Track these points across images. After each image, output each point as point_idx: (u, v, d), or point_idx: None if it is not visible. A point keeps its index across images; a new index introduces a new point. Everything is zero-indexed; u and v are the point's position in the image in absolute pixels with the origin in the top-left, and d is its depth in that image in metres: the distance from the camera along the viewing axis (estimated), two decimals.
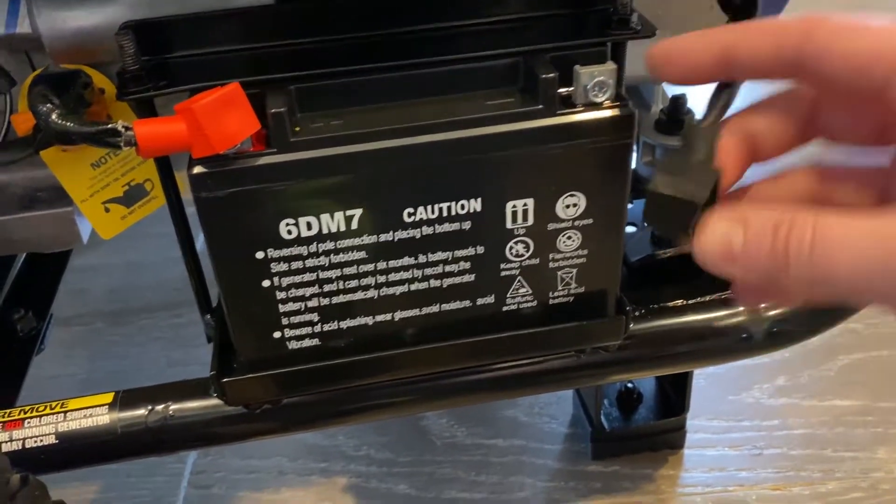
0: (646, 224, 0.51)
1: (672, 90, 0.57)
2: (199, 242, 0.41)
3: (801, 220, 0.26)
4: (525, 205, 0.40)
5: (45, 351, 0.66)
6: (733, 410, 0.73)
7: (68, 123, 0.34)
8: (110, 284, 0.95)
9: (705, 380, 0.75)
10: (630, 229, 0.58)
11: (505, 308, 0.43)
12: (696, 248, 0.29)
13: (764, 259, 0.26)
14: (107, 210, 0.46)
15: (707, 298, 0.49)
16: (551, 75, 0.37)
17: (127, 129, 0.34)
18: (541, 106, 0.37)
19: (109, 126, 0.34)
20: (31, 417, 0.43)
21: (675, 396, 0.67)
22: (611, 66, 0.37)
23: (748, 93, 0.32)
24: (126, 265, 0.97)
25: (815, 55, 0.27)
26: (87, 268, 0.96)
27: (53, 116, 0.34)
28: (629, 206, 0.60)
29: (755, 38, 0.29)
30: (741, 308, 0.49)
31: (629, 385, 0.67)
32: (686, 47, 0.31)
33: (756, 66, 0.29)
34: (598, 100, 0.38)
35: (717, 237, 0.28)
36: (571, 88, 0.38)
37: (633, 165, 0.58)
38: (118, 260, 0.98)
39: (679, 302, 0.49)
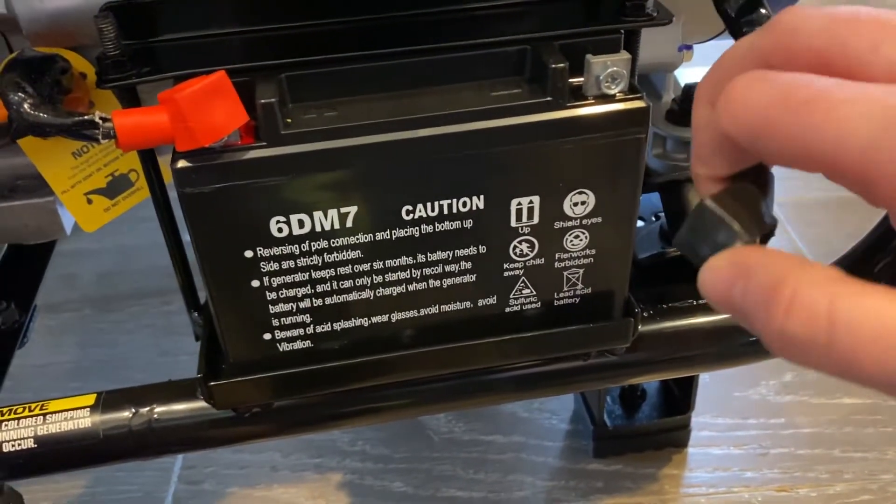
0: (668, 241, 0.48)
1: (684, 79, 0.54)
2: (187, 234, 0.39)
3: (813, 288, 0.20)
4: (530, 202, 0.38)
5: (33, 338, 0.64)
6: (739, 408, 0.71)
7: (41, 114, 0.32)
8: (100, 269, 0.92)
9: (710, 377, 0.73)
10: (638, 224, 0.56)
11: (508, 309, 0.41)
12: (699, 282, 0.24)
13: (775, 326, 0.21)
14: (89, 201, 0.44)
15: None
16: (561, 65, 0.34)
17: (105, 120, 0.32)
18: (549, 98, 0.35)
19: (86, 118, 0.32)
20: (8, 420, 0.41)
21: (679, 394, 0.65)
22: (625, 55, 0.35)
23: None
24: (116, 250, 0.95)
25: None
26: (77, 252, 0.94)
27: (25, 107, 0.32)
28: None
29: None
30: None
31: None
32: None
33: None
34: (611, 91, 0.35)
35: (718, 277, 0.23)
36: (582, 79, 0.35)
37: None
38: (108, 244, 0.95)
39: (689, 302, 0.47)
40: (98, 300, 0.88)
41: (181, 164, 0.33)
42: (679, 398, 0.65)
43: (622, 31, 0.37)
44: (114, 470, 0.67)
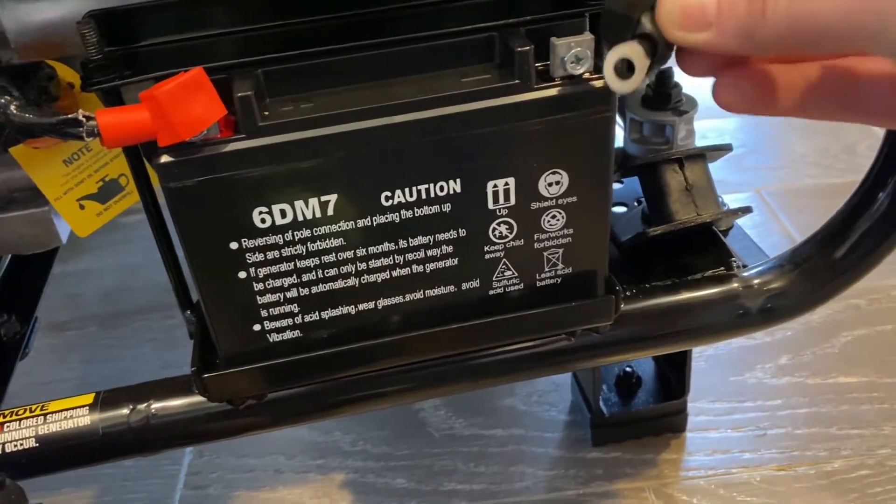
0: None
1: None
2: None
3: None
4: (506, 184, 0.39)
5: (38, 356, 0.65)
6: (735, 391, 0.71)
7: (28, 115, 0.33)
8: (103, 288, 0.94)
9: (706, 361, 0.74)
10: (620, 209, 0.57)
11: (491, 292, 0.42)
12: (660, 20, 0.28)
13: (741, 12, 0.26)
14: (82, 207, 0.45)
15: (699, 276, 0.48)
16: (526, 48, 0.36)
17: (89, 118, 0.33)
18: (517, 80, 0.36)
19: (71, 116, 0.33)
20: (10, 421, 0.42)
21: (674, 379, 0.66)
22: (588, 36, 0.36)
23: None
24: (118, 268, 0.96)
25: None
26: (80, 272, 0.96)
27: (12, 108, 0.33)
28: (619, 185, 0.60)
29: None
30: (735, 284, 0.47)
31: (627, 369, 0.66)
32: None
33: None
34: (577, 72, 0.36)
35: (684, 2, 0.27)
36: (548, 62, 0.37)
37: (622, 143, 0.57)
38: (111, 263, 0.97)
39: (671, 280, 0.47)
40: (102, 318, 0.90)
41: (164, 158, 0.34)
42: (674, 383, 0.66)
43: (586, 14, 0.38)
44: (120, 478, 0.68)
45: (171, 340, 0.85)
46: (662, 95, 0.52)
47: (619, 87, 0.31)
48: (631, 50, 0.30)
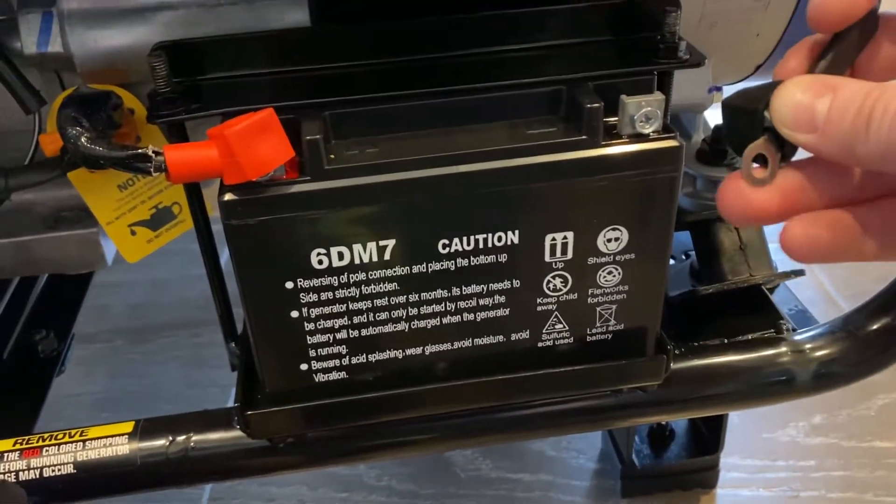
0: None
1: (714, 119, 0.55)
2: (224, 262, 0.40)
3: (888, 85, 0.25)
4: (565, 238, 0.38)
5: (66, 368, 0.65)
6: (768, 449, 0.70)
7: (98, 148, 0.33)
8: (132, 301, 0.94)
9: (739, 417, 0.73)
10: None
11: (540, 344, 0.41)
12: (772, 114, 0.28)
13: (847, 125, 0.26)
14: (133, 233, 0.45)
15: (749, 337, 0.47)
16: (597, 105, 0.35)
17: (157, 154, 0.33)
18: (584, 136, 0.36)
19: (140, 151, 0.33)
20: (49, 445, 0.42)
21: (708, 434, 0.65)
22: (658, 95, 0.36)
23: None
24: (148, 282, 0.96)
25: None
26: (110, 284, 0.96)
27: (83, 140, 0.33)
28: None
29: None
30: (785, 348, 0.47)
31: (661, 422, 0.65)
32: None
33: None
34: (645, 131, 0.36)
35: (796, 103, 0.27)
36: (616, 119, 0.36)
37: None
38: (141, 277, 0.97)
39: (720, 340, 0.47)
40: (129, 332, 0.90)
41: (228, 196, 0.34)
42: (708, 438, 0.65)
43: (655, 72, 0.38)
44: (142, 499, 0.68)
45: (197, 359, 0.85)
46: (718, 151, 0.52)
47: (755, 182, 0.30)
48: (765, 146, 0.29)
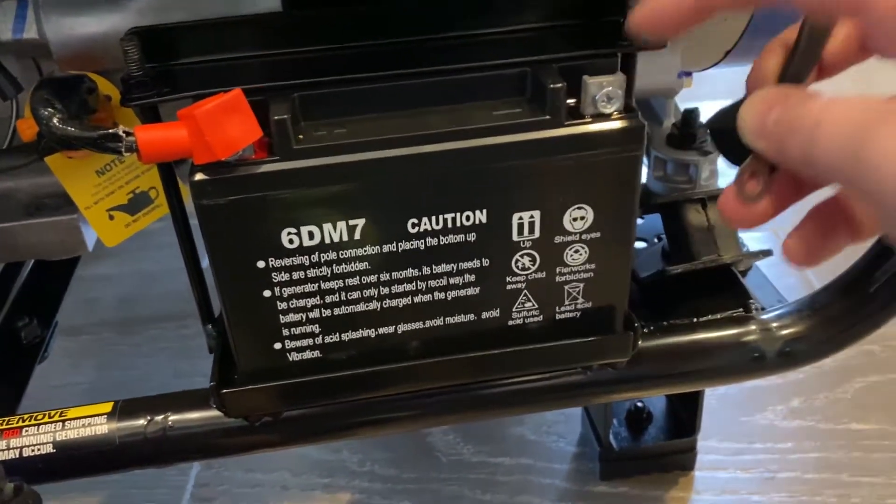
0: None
1: (684, 104, 0.56)
2: (202, 247, 0.40)
3: (819, 98, 0.26)
4: (531, 217, 0.39)
5: (52, 360, 0.66)
6: (746, 432, 0.71)
7: (69, 128, 0.34)
8: (120, 294, 0.95)
9: (717, 400, 0.74)
10: (639, 245, 0.57)
11: (510, 322, 0.42)
12: (739, 129, 0.30)
13: (782, 130, 0.27)
14: (111, 217, 0.46)
15: (718, 316, 0.48)
16: (559, 85, 0.36)
17: (128, 134, 0.34)
18: (548, 116, 0.37)
19: (111, 131, 0.34)
20: (28, 426, 0.43)
21: (685, 417, 0.66)
22: (620, 76, 0.37)
23: None
24: (136, 275, 0.97)
25: None
26: (97, 277, 0.96)
27: (54, 121, 0.34)
28: (640, 221, 0.60)
29: None
30: (753, 326, 0.47)
31: (639, 404, 0.66)
32: (662, 4, 0.30)
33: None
34: (607, 111, 0.37)
35: (754, 115, 0.29)
36: (579, 99, 0.37)
37: (644, 180, 0.57)
38: (128, 269, 0.98)
39: (690, 319, 0.48)
40: (117, 324, 0.90)
41: (198, 176, 0.35)
42: (685, 420, 0.66)
43: (619, 54, 0.39)
44: (128, 486, 0.69)
45: (185, 350, 0.86)
46: (688, 135, 0.53)
47: (749, 199, 0.31)
48: (754, 164, 0.31)
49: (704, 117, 0.54)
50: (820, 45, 0.30)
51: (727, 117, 0.31)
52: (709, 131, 0.33)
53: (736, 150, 0.31)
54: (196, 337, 0.86)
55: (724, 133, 0.31)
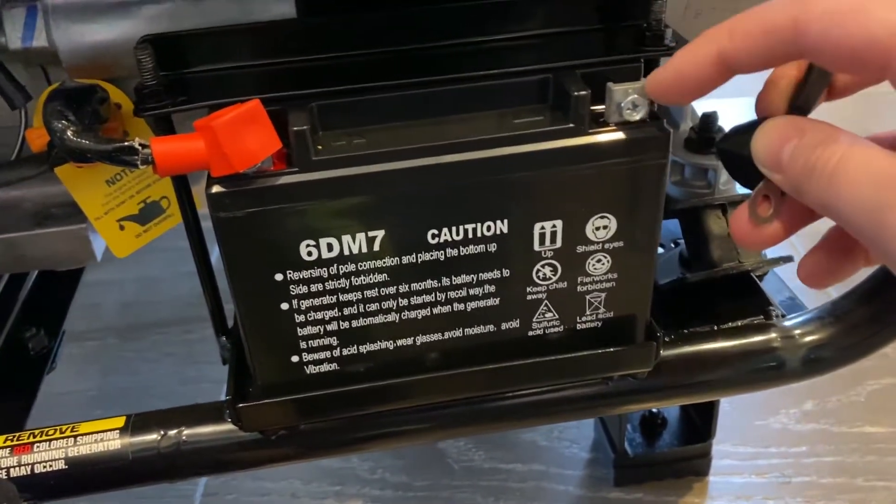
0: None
1: (702, 108, 0.55)
2: (214, 257, 0.40)
3: (839, 141, 0.26)
4: (553, 226, 0.38)
5: (57, 366, 0.65)
6: (760, 436, 0.71)
7: (84, 141, 0.33)
8: (123, 299, 0.94)
9: (730, 404, 0.73)
10: (658, 251, 0.56)
11: (530, 333, 0.42)
12: (753, 156, 0.30)
13: (799, 168, 0.27)
14: (121, 228, 0.45)
15: (739, 323, 0.47)
16: (584, 92, 0.35)
17: (144, 147, 0.33)
18: (572, 124, 0.36)
19: (126, 144, 0.33)
20: (40, 441, 0.42)
21: (700, 422, 0.65)
22: (645, 83, 0.36)
23: None
24: (139, 280, 0.96)
25: (809, 49, 0.27)
26: (101, 282, 0.95)
27: (69, 134, 0.33)
28: None
29: (744, 45, 0.28)
30: (774, 334, 0.47)
31: (653, 410, 0.65)
32: (680, 72, 0.31)
33: (756, 66, 0.29)
34: (633, 118, 0.36)
35: (768, 145, 0.29)
36: (604, 106, 0.36)
37: None
38: (131, 275, 0.97)
39: (710, 327, 0.47)
40: (121, 329, 0.89)
41: (216, 189, 0.34)
42: (699, 426, 0.65)
43: (642, 60, 0.38)
44: (135, 496, 0.67)
45: (190, 355, 0.85)
46: (706, 139, 0.52)
47: (761, 222, 0.31)
48: (766, 188, 0.31)
49: (723, 118, 0.53)
50: (829, 78, 0.30)
51: (738, 141, 0.31)
52: (717, 152, 0.33)
53: (747, 174, 0.31)
54: (200, 342, 0.86)
55: (735, 156, 0.31)
